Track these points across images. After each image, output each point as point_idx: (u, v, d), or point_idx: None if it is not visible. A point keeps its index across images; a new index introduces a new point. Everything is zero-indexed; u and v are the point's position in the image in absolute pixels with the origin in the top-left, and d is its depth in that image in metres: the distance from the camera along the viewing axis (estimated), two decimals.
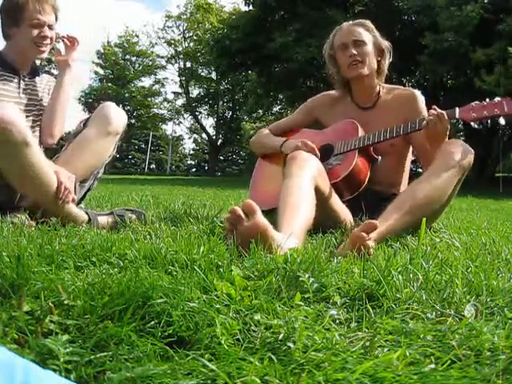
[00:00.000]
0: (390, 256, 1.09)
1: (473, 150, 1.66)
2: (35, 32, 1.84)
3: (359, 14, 14.00)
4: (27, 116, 1.92)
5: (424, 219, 1.29)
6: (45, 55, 1.96)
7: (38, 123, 1.97)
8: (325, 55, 2.08)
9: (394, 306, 0.80)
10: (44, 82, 2.05)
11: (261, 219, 1.18)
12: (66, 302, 0.71)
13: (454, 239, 1.56)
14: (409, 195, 1.55)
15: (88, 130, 1.83)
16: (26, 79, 1.96)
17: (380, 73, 2.01)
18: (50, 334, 0.64)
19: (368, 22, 2.03)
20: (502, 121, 1.69)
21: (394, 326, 0.70)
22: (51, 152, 2.02)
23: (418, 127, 1.76)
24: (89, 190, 2.00)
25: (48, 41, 1.88)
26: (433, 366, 0.58)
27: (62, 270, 0.93)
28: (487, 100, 1.73)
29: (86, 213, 1.74)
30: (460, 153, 1.62)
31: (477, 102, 1.73)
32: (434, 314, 0.77)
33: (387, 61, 2.02)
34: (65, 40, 2.02)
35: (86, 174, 1.87)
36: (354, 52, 1.93)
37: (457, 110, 1.74)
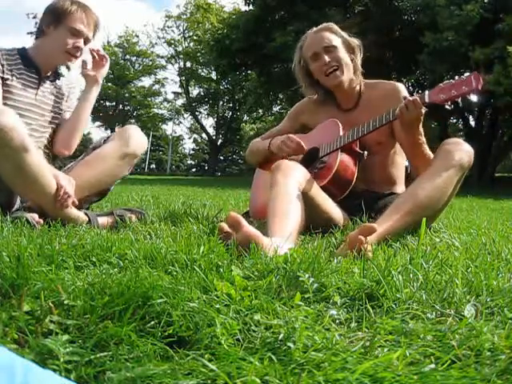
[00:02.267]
0: (390, 256, 1.09)
1: (472, 149, 1.65)
2: (71, 40, 1.84)
3: (359, 14, 14.03)
4: (38, 120, 1.90)
5: (424, 219, 1.29)
6: (71, 63, 1.95)
7: (49, 129, 1.96)
8: (295, 69, 2.03)
9: (393, 305, 0.80)
10: (63, 87, 2.03)
11: (248, 229, 1.18)
12: (66, 302, 0.71)
13: (454, 239, 1.56)
14: (410, 196, 1.54)
15: (106, 148, 1.84)
16: (47, 82, 1.95)
17: (355, 71, 1.96)
18: (50, 333, 0.64)
19: (332, 25, 1.98)
20: (473, 97, 1.67)
21: (394, 326, 0.70)
22: (61, 160, 2.02)
23: (393, 117, 1.72)
24: (92, 202, 2.01)
25: (79, 53, 1.88)
26: (433, 366, 0.58)
27: (62, 269, 0.93)
28: (456, 77, 1.69)
29: (86, 214, 1.74)
30: (460, 152, 1.61)
31: (446, 82, 1.68)
32: (434, 313, 0.77)
33: (359, 57, 1.97)
34: (94, 53, 1.98)
35: (95, 190, 1.86)
36: (328, 59, 1.88)
37: (426, 93, 1.69)
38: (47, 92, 1.95)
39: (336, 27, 1.98)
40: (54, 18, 1.84)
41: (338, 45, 1.92)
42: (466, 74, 1.65)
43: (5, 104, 1.80)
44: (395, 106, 1.74)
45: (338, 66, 1.90)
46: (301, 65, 2.00)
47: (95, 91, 1.99)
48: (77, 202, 1.69)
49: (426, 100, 1.67)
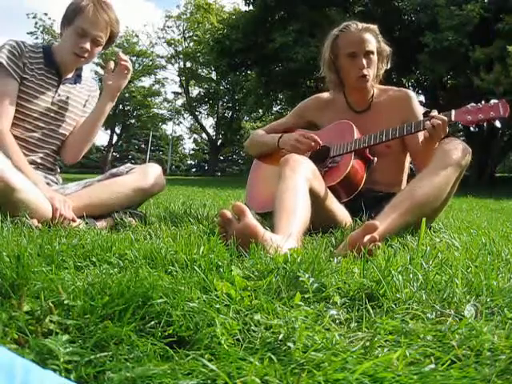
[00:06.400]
0: (390, 256, 1.09)
1: (470, 148, 1.66)
2: (77, 40, 1.81)
3: (359, 14, 14.03)
4: (51, 124, 1.90)
5: (424, 219, 1.29)
6: (80, 65, 1.93)
7: (59, 136, 1.94)
8: (323, 56, 2.03)
9: (393, 306, 0.80)
10: (83, 92, 2.01)
11: (251, 221, 1.18)
12: (66, 302, 0.71)
13: (453, 239, 1.56)
14: (407, 194, 1.55)
15: (126, 178, 1.86)
16: (67, 85, 1.93)
17: (376, 77, 1.99)
18: (50, 334, 0.64)
19: (375, 27, 1.97)
20: (497, 124, 1.68)
21: (394, 326, 0.70)
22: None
23: (414, 130, 1.75)
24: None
25: (86, 54, 1.84)
26: (433, 366, 0.58)
27: (62, 269, 0.93)
28: (483, 102, 1.71)
29: (83, 219, 1.73)
30: (457, 151, 1.62)
31: (473, 105, 1.71)
32: (433, 314, 0.77)
33: (385, 66, 2.00)
34: (122, 62, 1.89)
35: (100, 212, 1.83)
36: (365, 66, 1.90)
37: (452, 112, 1.71)
38: (65, 96, 1.93)
39: (377, 31, 1.98)
40: (68, 18, 1.82)
41: (375, 51, 1.94)
42: (494, 101, 1.68)
43: (20, 105, 1.80)
44: (414, 113, 1.79)
45: (369, 75, 1.92)
46: (332, 52, 1.99)
47: (110, 105, 1.95)
48: (76, 219, 1.67)
49: (452, 118, 1.70)
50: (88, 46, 1.82)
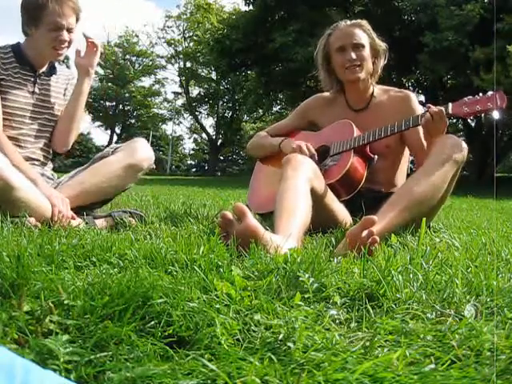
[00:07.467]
0: (390, 256, 1.09)
1: (466, 144, 1.66)
2: (53, 35, 1.81)
3: (359, 14, 14.02)
4: (37, 118, 1.91)
5: (424, 219, 1.29)
6: (61, 58, 1.94)
7: (48, 128, 1.96)
8: (317, 56, 2.05)
9: (393, 306, 0.80)
10: (61, 81, 2.02)
11: (252, 222, 1.18)
12: (66, 302, 0.71)
13: (454, 239, 1.56)
14: (405, 192, 1.55)
15: (113, 158, 1.85)
16: (43, 78, 1.94)
17: (374, 74, 1.99)
18: (50, 334, 0.64)
19: (365, 23, 1.99)
20: (495, 114, 1.67)
21: (394, 326, 0.70)
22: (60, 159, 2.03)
23: (412, 125, 1.75)
24: (93, 208, 2.00)
25: (66, 44, 1.85)
26: (433, 366, 0.58)
27: (62, 269, 0.93)
28: (480, 94, 1.71)
29: (84, 219, 1.74)
30: (453, 147, 1.61)
31: (470, 97, 1.71)
32: (433, 314, 0.77)
33: (382, 62, 2.00)
34: (89, 40, 1.94)
35: (95, 198, 1.84)
36: (354, 56, 1.90)
37: (450, 105, 1.71)
38: (44, 89, 1.95)
39: (368, 26, 1.99)
40: (32, 18, 1.82)
41: (366, 45, 1.94)
42: (491, 92, 1.68)
43: (3, 106, 1.81)
44: (414, 114, 1.77)
45: (360, 64, 1.92)
46: (324, 51, 2.02)
47: (87, 83, 1.96)
48: (76, 217, 1.68)
49: (450, 111, 1.69)
50: (66, 36, 1.83)
